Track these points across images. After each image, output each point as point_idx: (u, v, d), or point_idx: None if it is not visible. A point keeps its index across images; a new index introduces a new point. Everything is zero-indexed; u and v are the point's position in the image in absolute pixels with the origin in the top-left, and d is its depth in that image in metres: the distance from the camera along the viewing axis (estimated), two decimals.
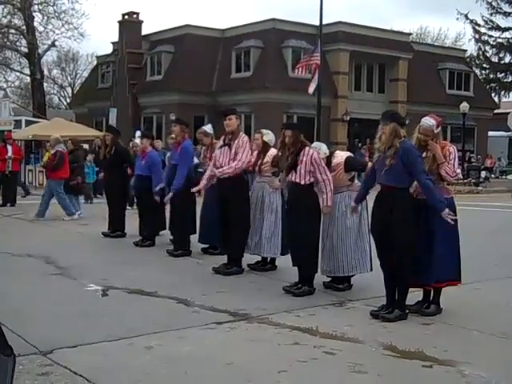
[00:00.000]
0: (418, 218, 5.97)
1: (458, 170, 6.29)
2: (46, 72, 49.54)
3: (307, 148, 6.95)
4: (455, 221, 6.14)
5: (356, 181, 7.36)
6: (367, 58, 35.90)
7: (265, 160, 8.13)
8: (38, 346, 4.96)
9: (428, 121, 6.18)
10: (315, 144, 7.40)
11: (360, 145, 33.45)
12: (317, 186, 6.95)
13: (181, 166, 9.16)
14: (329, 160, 7.15)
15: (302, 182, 6.87)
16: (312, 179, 6.88)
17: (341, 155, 7.33)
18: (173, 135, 10.10)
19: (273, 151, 8.23)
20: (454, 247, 6.19)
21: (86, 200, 19.09)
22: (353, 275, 7.21)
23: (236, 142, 7.98)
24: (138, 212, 10.75)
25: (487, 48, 48.38)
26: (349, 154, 7.54)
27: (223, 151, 8.09)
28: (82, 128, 28.19)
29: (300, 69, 24.56)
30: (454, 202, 6.26)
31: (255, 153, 8.27)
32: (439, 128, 6.21)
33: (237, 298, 6.76)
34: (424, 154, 6.09)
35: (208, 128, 9.72)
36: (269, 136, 8.31)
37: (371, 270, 7.12)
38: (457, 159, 6.23)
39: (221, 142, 8.26)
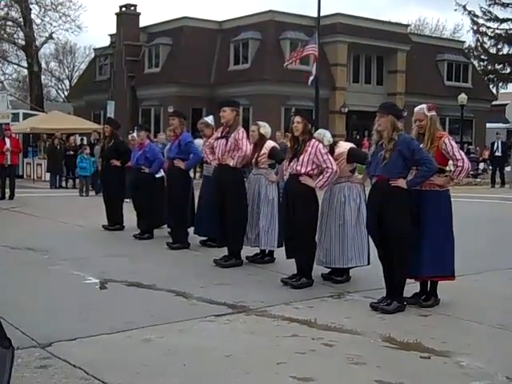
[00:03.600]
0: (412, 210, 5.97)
1: (465, 157, 6.18)
2: (43, 65, 49.43)
3: (313, 140, 6.93)
4: (449, 214, 6.13)
5: (356, 173, 7.35)
6: (365, 49, 35.88)
7: (261, 152, 8.13)
8: (36, 338, 4.96)
9: (418, 107, 6.21)
10: (320, 131, 7.36)
11: (358, 137, 33.45)
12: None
13: (195, 154, 9.26)
14: (332, 149, 7.13)
15: (303, 170, 6.83)
16: (313, 171, 6.86)
17: (344, 146, 7.31)
18: (171, 127, 10.09)
19: (269, 143, 8.23)
20: (447, 241, 6.13)
21: (81, 192, 19.11)
22: (350, 267, 7.22)
23: (233, 134, 7.96)
24: (134, 205, 10.74)
25: (485, 39, 48.40)
26: (352, 145, 7.52)
27: (220, 143, 8.09)
28: (80, 121, 28.19)
29: (292, 61, 24.64)
30: (450, 194, 6.24)
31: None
32: (433, 112, 6.16)
33: (235, 290, 6.77)
34: (421, 145, 6.07)
35: (209, 119, 9.72)
36: (265, 128, 8.30)
37: (369, 263, 7.13)
38: (456, 147, 6.17)
39: (218, 134, 8.25)
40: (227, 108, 8.01)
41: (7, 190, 16.84)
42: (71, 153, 22.02)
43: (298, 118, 6.90)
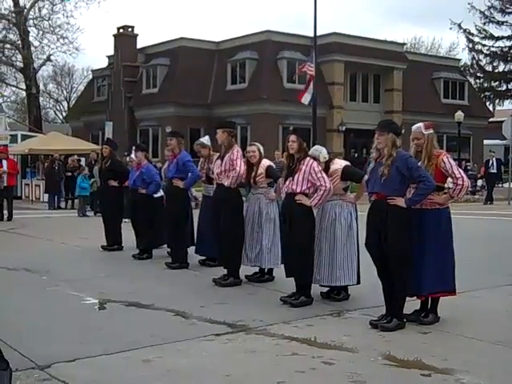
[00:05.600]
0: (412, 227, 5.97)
1: (464, 175, 6.20)
2: (41, 86, 49.57)
3: (307, 158, 6.97)
4: (450, 232, 6.13)
5: (349, 192, 7.35)
6: (362, 68, 36.07)
7: (259, 172, 8.15)
8: (35, 360, 4.93)
9: (415, 126, 6.25)
10: (316, 147, 7.37)
11: (356, 155, 33.52)
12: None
13: (192, 173, 9.25)
14: (327, 165, 7.15)
15: (298, 190, 6.87)
16: (308, 190, 6.88)
17: (340, 163, 7.32)
18: (169, 147, 10.11)
19: (264, 162, 8.26)
20: (448, 258, 6.14)
21: (80, 213, 19.10)
22: (337, 286, 7.17)
23: (228, 155, 8.03)
24: (132, 225, 10.74)
25: (481, 57, 48.69)
26: (348, 163, 7.54)
27: (217, 164, 8.21)
28: (78, 142, 28.24)
29: (300, 73, 25.05)
30: (450, 212, 6.24)
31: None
32: (430, 130, 6.19)
33: (235, 309, 6.76)
34: (419, 163, 6.08)
35: (205, 140, 9.76)
36: (262, 149, 8.36)
37: (358, 282, 7.13)
38: (455, 165, 6.19)
39: (216, 156, 8.37)
40: (219, 130, 8.17)
41: (5, 212, 16.83)
42: (69, 174, 22.05)
43: (292, 137, 6.96)
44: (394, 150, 5.89)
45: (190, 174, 9.28)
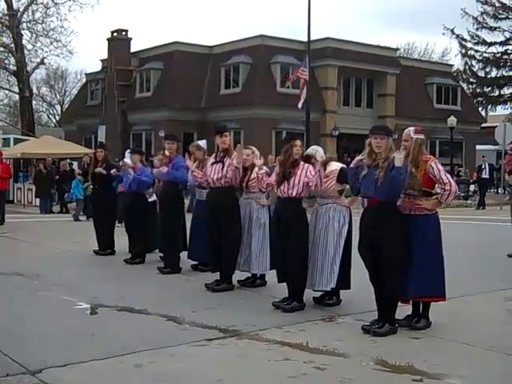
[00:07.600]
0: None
1: (452, 180, 6.21)
2: (34, 90, 49.38)
3: (302, 163, 7.00)
4: (438, 237, 6.15)
5: (343, 196, 7.35)
6: (355, 73, 36.13)
7: (251, 176, 8.14)
8: (26, 365, 4.91)
9: (406, 130, 6.30)
10: (313, 147, 7.42)
11: (349, 160, 33.58)
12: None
13: (181, 176, 9.28)
14: (324, 166, 7.16)
15: (294, 194, 6.88)
16: (303, 193, 6.90)
17: (336, 164, 7.32)
18: (163, 152, 10.08)
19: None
20: (436, 263, 6.14)
21: (75, 217, 19.05)
22: (333, 290, 7.17)
23: (229, 161, 7.97)
24: (126, 229, 10.72)
25: (474, 62, 48.83)
26: (344, 165, 7.55)
27: (215, 168, 8.09)
28: (71, 145, 28.19)
29: (289, 82, 25.03)
30: (438, 217, 6.24)
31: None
32: (419, 135, 6.20)
33: (227, 314, 6.75)
34: (413, 170, 6.09)
35: (202, 143, 9.75)
36: (258, 152, 8.36)
37: (349, 287, 7.13)
38: (442, 170, 6.20)
39: (212, 159, 8.27)
40: (227, 133, 8.14)
41: None
42: (56, 177, 22.06)
43: (299, 142, 7.04)
44: (390, 153, 5.93)
45: (180, 173, 9.26)
